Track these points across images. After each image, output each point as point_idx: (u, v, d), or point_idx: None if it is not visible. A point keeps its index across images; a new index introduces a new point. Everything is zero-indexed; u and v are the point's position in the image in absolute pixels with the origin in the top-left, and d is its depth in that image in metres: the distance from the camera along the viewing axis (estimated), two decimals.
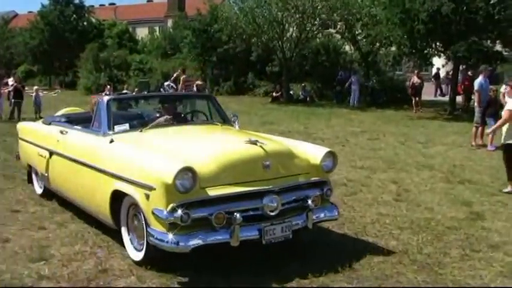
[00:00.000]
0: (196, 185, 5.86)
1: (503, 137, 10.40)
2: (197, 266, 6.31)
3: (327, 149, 7.11)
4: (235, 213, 5.89)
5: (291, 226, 6.30)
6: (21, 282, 6.02)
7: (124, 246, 6.82)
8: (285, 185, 6.46)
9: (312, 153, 7.04)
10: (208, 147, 6.66)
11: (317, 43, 35.19)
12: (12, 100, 23.04)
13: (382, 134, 17.83)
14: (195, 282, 6.00)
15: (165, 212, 5.79)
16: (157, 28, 69.91)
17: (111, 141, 7.14)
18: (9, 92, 24.04)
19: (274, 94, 32.57)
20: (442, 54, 26.35)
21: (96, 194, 7.16)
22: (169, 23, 60.62)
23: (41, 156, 8.98)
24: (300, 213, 6.51)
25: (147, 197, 5.98)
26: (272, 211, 6.17)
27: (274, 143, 7.06)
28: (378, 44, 30.98)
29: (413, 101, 26.28)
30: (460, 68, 26.75)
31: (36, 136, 9.59)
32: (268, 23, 30.29)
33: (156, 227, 5.92)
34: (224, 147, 6.65)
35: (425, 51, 25.53)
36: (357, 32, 32.22)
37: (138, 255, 6.48)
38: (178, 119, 8.32)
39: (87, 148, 7.61)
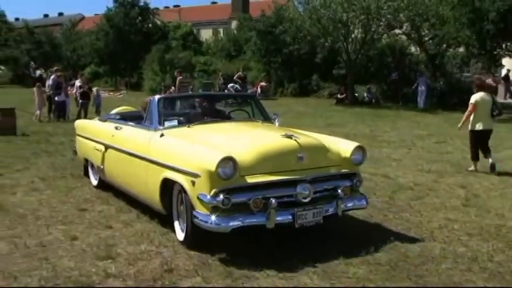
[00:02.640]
0: (237, 173, 6.54)
1: (469, 125, 12.38)
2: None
3: (356, 144, 7.69)
4: (271, 199, 6.54)
5: (321, 212, 6.92)
6: (88, 279, 6.11)
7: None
8: (317, 175, 7.06)
9: (343, 147, 7.62)
10: (248, 140, 7.41)
11: (382, 44, 34.76)
12: (80, 101, 23.58)
13: (450, 137, 17.42)
14: (261, 284, 5.96)
15: (208, 197, 6.47)
16: (221, 30, 70.37)
17: (162, 135, 7.89)
18: (76, 93, 24.62)
19: (339, 96, 32.33)
20: None
21: (147, 183, 7.88)
22: (234, 24, 60.95)
23: (97, 150, 9.81)
24: (331, 201, 7.10)
25: (193, 183, 6.67)
26: (305, 198, 6.80)
27: (308, 137, 7.65)
28: (445, 45, 30.39)
29: None
30: None
31: (93, 132, 10.40)
32: (333, 24, 30.00)
33: (201, 210, 6.61)
34: (262, 140, 7.41)
35: (495, 52, 24.88)
36: (423, 33, 31.68)
37: (182, 236, 7.21)
38: (223, 117, 9.17)
39: (140, 141, 8.30)
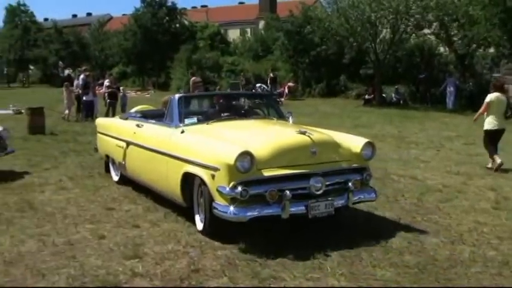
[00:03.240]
0: (254, 166, 6.97)
1: (484, 124, 12.87)
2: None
3: (366, 140, 8.04)
4: (285, 191, 6.95)
5: (333, 204, 7.34)
6: (115, 278, 6.13)
7: (217, 246, 7.12)
8: (329, 169, 7.49)
9: (354, 143, 8.03)
10: (264, 136, 7.93)
11: (411, 44, 34.48)
12: (108, 100, 23.76)
13: (479, 139, 17.08)
14: (288, 285, 5.93)
15: (227, 189, 6.91)
16: (248, 30, 70.45)
17: (182, 131, 8.39)
18: (104, 92, 24.85)
19: (366, 96, 32.15)
20: None
21: (168, 177, 8.33)
22: (261, 24, 61.00)
23: (119, 146, 10.27)
24: (342, 194, 7.51)
25: (213, 176, 7.12)
26: (317, 190, 7.22)
27: (321, 133, 8.07)
28: (474, 45, 30.03)
29: None
30: None
31: (115, 129, 10.89)
32: (361, 24, 29.84)
33: (220, 201, 7.05)
34: (278, 136, 7.88)
35: None
36: (452, 33, 31.33)
37: (201, 226, 7.67)
38: (239, 114, 9.55)
39: (161, 138, 8.79)
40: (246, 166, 6.92)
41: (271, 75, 35.60)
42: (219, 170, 7.03)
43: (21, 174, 11.74)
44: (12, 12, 75.66)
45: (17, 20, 74.68)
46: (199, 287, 5.93)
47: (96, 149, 12.25)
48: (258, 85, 32.95)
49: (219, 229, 7.34)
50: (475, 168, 12.55)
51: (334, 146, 7.86)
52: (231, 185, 6.90)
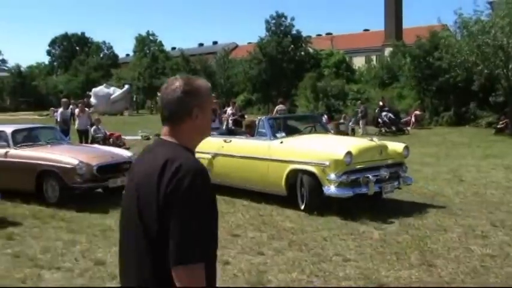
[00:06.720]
0: (353, 161, 10.52)
1: None
2: None
3: (404, 144, 12.07)
4: (370, 176, 10.56)
5: (394, 185, 11.20)
6: None
7: (341, 276, 6.97)
8: (389, 162, 11.27)
9: (397, 146, 11.90)
10: (350, 142, 12.09)
11: None
12: (232, 128, 24.17)
13: None
14: None
15: (334, 176, 10.37)
16: (374, 57, 69.75)
17: (281, 142, 11.64)
18: (227, 120, 25.36)
19: (498, 125, 30.74)
20: None
21: (270, 176, 11.46)
22: (387, 51, 60.18)
23: (202, 158, 11.51)
24: (396, 179, 11.26)
25: (323, 170, 10.52)
26: (385, 177, 10.87)
27: (380, 141, 12.13)
28: None
29: None
30: None
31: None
32: (492, 50, 28.69)
33: (328, 185, 10.47)
34: (359, 142, 12.31)
35: None
36: None
37: (303, 206, 10.89)
38: (309, 130, 13.00)
39: (259, 148, 11.83)
40: (349, 160, 10.45)
41: (381, 103, 33.92)
42: (328, 165, 10.43)
43: None
44: (142, 42, 79.27)
45: (146, 49, 78.10)
46: None
47: None
48: (383, 114, 32.36)
49: (316, 206, 10.57)
50: None
51: (388, 148, 11.53)
52: (338, 174, 10.33)
